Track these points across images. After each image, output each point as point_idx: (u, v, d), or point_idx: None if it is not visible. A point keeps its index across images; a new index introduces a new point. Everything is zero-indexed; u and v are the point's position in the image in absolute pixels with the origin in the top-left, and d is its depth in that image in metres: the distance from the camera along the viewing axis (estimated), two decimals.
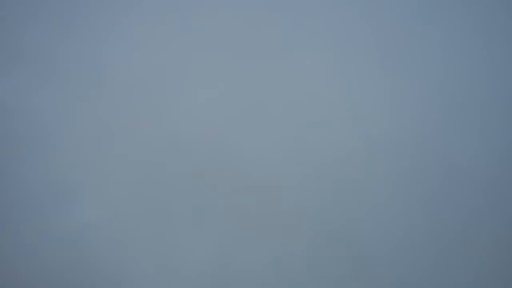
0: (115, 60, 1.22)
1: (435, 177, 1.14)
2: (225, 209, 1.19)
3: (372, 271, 1.15)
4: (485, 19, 1.14)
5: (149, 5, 1.22)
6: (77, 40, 1.24)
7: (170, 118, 1.21)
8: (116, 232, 1.22)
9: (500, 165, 1.13)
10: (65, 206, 1.23)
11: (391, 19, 1.17)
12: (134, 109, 1.22)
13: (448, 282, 1.14)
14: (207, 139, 1.20)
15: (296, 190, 1.17)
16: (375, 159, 1.15)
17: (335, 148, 1.17)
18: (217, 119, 1.20)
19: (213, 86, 1.21)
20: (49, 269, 1.24)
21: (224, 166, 1.19)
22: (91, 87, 1.23)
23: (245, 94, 1.20)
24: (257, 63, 1.20)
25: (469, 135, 1.14)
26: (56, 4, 1.24)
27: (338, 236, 1.16)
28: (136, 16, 1.22)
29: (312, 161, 1.17)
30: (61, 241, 1.23)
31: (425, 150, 1.15)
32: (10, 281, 1.23)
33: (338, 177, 1.16)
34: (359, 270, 1.15)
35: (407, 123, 1.15)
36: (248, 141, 1.19)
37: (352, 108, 1.17)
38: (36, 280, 1.24)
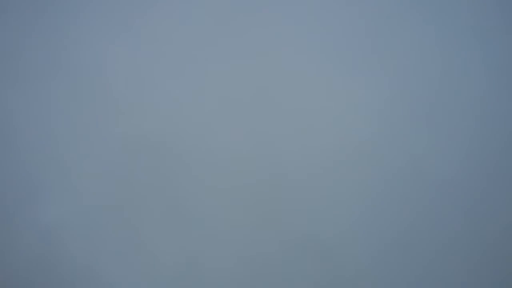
0: (85, 60, 1.23)
1: (404, 180, 1.15)
2: (196, 208, 1.20)
3: (342, 273, 1.16)
4: (456, 27, 1.14)
5: (121, 4, 1.22)
6: (47, 40, 1.24)
7: (140, 118, 1.21)
8: (85, 231, 1.23)
9: (465, 167, 1.13)
10: (33, 206, 1.24)
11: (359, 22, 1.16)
12: (103, 108, 1.22)
13: (422, 283, 1.14)
14: (178, 139, 1.20)
15: (268, 190, 1.18)
16: (347, 164, 1.16)
17: (307, 151, 1.17)
18: (190, 118, 1.20)
19: (189, 85, 1.20)
20: (18, 268, 1.24)
21: (196, 165, 1.19)
22: (59, 87, 1.24)
23: (220, 94, 1.19)
24: (241, 61, 1.19)
25: (437, 138, 1.14)
26: (25, 3, 1.25)
27: (309, 237, 1.16)
28: (108, 16, 1.22)
29: (283, 162, 1.17)
30: (29, 240, 1.24)
31: (394, 153, 1.15)
32: None
33: (311, 179, 1.17)
34: (329, 272, 1.16)
35: (376, 127, 1.15)
36: (219, 140, 1.19)
37: (322, 112, 1.17)
38: (5, 279, 1.25)
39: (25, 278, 1.24)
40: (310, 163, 1.17)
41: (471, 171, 1.13)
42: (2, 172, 1.25)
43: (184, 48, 1.20)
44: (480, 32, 1.13)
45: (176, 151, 1.20)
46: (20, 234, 1.24)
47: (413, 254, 1.14)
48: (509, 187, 1.11)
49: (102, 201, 1.22)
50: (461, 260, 1.13)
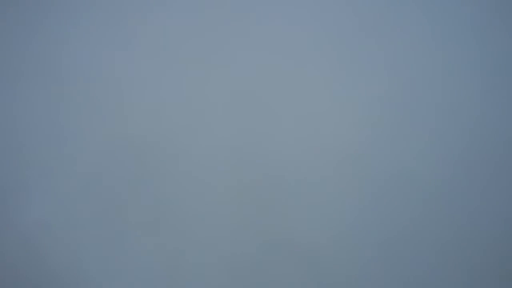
0: (74, 60, 1.23)
1: (386, 181, 1.14)
2: (176, 210, 1.20)
3: (326, 278, 1.15)
4: (452, 29, 1.13)
5: (118, 5, 1.23)
6: (42, 40, 1.25)
7: (122, 120, 1.21)
8: (68, 231, 1.23)
9: (449, 169, 1.13)
10: (15, 206, 1.25)
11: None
12: (86, 110, 1.23)
13: (396, 284, 1.14)
14: (163, 140, 1.20)
15: (255, 192, 1.17)
16: (325, 164, 1.15)
17: (297, 154, 1.16)
18: (171, 120, 1.20)
19: (184, 85, 1.20)
20: (1, 268, 1.25)
21: (180, 166, 1.19)
22: (42, 87, 1.24)
23: (215, 93, 1.19)
24: (237, 61, 1.19)
25: (432, 141, 1.13)
26: (25, 5, 1.27)
27: (294, 240, 1.16)
28: (103, 17, 1.23)
29: (272, 164, 1.17)
30: (12, 240, 1.25)
31: (376, 154, 1.14)
32: None
33: (299, 182, 1.16)
34: (313, 276, 1.16)
35: (370, 129, 1.15)
36: (209, 141, 1.19)
37: (314, 115, 1.16)
38: None
39: (9, 278, 1.24)
40: (300, 165, 1.16)
41: (467, 174, 1.12)
42: None
43: (180, 48, 1.20)
44: (477, 34, 1.13)
45: (160, 152, 1.20)
46: (2, 235, 1.24)
47: (401, 260, 1.13)
48: (503, 189, 1.11)
49: (85, 203, 1.22)
50: (454, 265, 1.12)
